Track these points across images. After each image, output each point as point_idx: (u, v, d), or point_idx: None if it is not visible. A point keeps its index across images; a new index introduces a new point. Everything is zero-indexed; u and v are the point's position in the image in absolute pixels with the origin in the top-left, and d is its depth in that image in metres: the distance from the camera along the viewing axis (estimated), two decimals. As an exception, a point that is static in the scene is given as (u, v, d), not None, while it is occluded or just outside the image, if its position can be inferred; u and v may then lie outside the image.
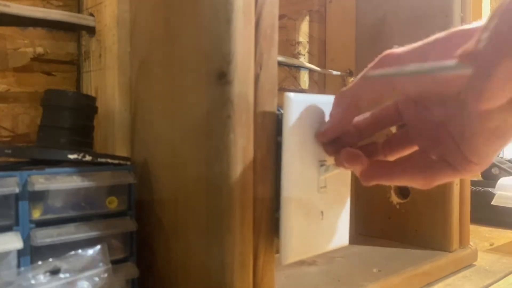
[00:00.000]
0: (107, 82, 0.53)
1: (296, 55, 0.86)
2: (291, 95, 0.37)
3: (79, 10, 0.58)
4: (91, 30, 0.55)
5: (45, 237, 0.37)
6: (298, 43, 0.86)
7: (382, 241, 0.70)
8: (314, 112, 0.38)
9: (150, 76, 0.46)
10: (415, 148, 0.35)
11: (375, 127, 0.37)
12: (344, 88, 0.34)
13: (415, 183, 0.33)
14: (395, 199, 0.70)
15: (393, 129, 0.70)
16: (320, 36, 0.89)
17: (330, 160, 0.39)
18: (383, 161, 0.36)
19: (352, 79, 0.82)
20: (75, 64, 0.59)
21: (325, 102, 0.40)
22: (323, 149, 0.38)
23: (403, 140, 0.36)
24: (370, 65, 0.32)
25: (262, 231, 0.37)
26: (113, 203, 0.42)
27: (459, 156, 0.30)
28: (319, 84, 0.90)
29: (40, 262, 0.36)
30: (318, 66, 0.83)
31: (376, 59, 0.31)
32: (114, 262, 0.40)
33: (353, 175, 0.43)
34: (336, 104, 0.35)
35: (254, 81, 0.36)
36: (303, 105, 0.38)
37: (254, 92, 0.36)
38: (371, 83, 0.32)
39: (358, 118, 0.37)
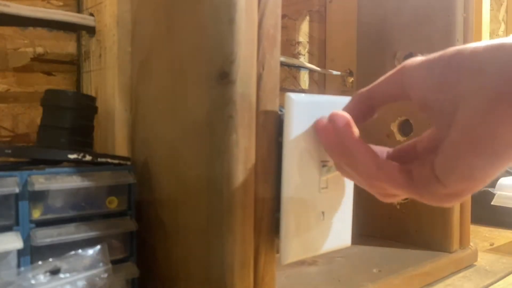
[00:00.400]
0: (107, 82, 0.52)
1: (296, 55, 0.86)
2: (292, 95, 0.37)
3: (79, 10, 0.58)
4: (91, 30, 0.55)
5: (45, 237, 0.37)
6: (298, 43, 0.86)
7: (382, 241, 0.70)
8: (315, 112, 0.38)
9: (150, 76, 0.46)
10: None
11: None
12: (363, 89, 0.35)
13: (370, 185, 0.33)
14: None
15: (394, 128, 0.70)
16: (320, 36, 0.89)
17: (331, 161, 0.39)
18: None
19: (352, 79, 0.82)
20: (75, 64, 0.59)
21: (326, 102, 0.40)
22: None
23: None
24: (391, 72, 0.32)
25: (263, 231, 0.37)
26: (113, 203, 0.42)
27: (428, 167, 0.28)
28: (319, 84, 0.90)
29: (40, 262, 0.36)
30: (318, 66, 0.83)
31: (397, 67, 0.31)
32: (114, 262, 0.40)
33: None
34: (350, 102, 0.36)
35: (256, 81, 0.36)
36: (304, 106, 0.38)
37: (257, 92, 0.36)
38: (385, 84, 0.32)
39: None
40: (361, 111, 0.35)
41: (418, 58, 0.30)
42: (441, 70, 0.28)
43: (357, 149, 0.32)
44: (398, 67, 0.32)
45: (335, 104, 0.40)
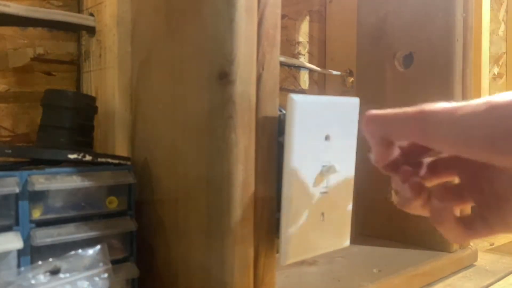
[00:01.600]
0: (107, 82, 0.53)
1: (296, 55, 0.86)
2: (294, 96, 0.37)
3: (79, 10, 0.58)
4: (91, 30, 0.55)
5: (45, 237, 0.37)
6: (298, 43, 0.86)
7: (382, 241, 0.70)
8: (317, 113, 0.38)
9: (150, 76, 0.46)
10: (454, 177, 0.33)
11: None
12: (374, 112, 0.31)
13: (451, 234, 0.32)
14: (395, 199, 0.70)
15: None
16: (320, 36, 0.89)
17: (332, 161, 0.39)
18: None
19: (352, 79, 0.82)
20: (75, 64, 0.59)
21: (328, 102, 0.40)
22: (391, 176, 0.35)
23: (447, 167, 0.33)
24: (408, 112, 0.29)
25: (263, 231, 0.37)
26: (113, 203, 0.42)
27: (498, 216, 0.29)
28: (319, 84, 0.90)
29: (40, 262, 0.36)
30: (318, 66, 0.83)
31: (416, 110, 0.29)
32: (114, 262, 0.40)
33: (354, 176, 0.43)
34: (367, 131, 0.32)
35: (256, 81, 0.36)
36: (306, 107, 0.38)
37: (256, 92, 0.36)
38: (403, 125, 0.29)
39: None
40: (387, 153, 0.32)
41: (440, 106, 0.27)
42: (465, 126, 0.26)
43: (449, 225, 0.31)
44: (417, 110, 0.28)
45: (337, 105, 0.40)
